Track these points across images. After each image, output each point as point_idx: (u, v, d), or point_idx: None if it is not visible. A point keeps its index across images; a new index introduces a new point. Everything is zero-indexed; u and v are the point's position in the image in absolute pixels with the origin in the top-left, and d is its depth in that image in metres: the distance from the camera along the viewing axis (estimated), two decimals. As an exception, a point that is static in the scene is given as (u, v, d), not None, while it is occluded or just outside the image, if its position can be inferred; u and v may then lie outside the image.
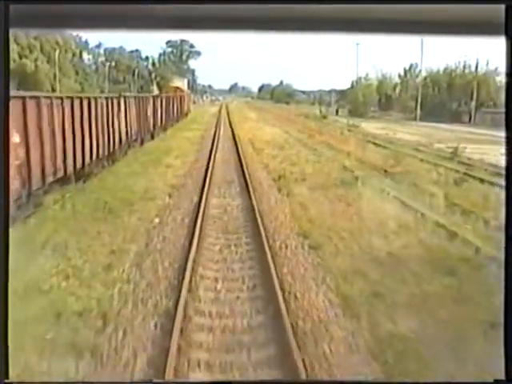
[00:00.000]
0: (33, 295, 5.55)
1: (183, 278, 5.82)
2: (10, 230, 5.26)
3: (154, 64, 68.38)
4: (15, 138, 7.38)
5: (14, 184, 7.35)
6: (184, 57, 72.61)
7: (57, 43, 47.77)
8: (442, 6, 1.91)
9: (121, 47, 68.69)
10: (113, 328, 4.85)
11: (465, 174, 13.22)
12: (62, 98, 9.41)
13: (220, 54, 79.28)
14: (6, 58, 1.90)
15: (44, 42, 45.09)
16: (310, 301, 5.45)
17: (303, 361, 4.09)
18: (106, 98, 12.84)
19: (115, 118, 13.33)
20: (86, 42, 60.00)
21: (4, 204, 1.90)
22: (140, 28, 2.09)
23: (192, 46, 72.49)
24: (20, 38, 41.76)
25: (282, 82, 73.58)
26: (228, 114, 38.27)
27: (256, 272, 6.37)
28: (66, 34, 49.20)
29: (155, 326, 4.88)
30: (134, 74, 64.56)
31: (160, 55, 70.40)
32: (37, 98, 8.44)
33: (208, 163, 14.48)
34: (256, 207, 9.36)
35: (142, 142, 17.69)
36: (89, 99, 11.17)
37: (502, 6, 1.86)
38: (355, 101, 40.80)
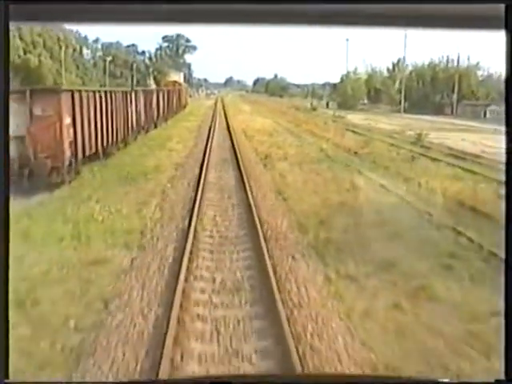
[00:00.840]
0: (93, 222, 8.56)
1: (192, 214, 8.81)
2: (62, 188, 8.99)
3: (150, 58, 71.10)
4: (67, 120, 10.37)
5: (67, 154, 10.35)
6: (180, 51, 75.27)
7: (58, 39, 50.50)
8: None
9: (118, 42, 71.18)
10: (150, 236, 7.88)
11: (420, 154, 16.27)
12: (94, 92, 12.38)
13: (215, 48, 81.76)
14: (6, 58, 1.97)
15: (47, 38, 47.74)
16: (277, 224, 8.48)
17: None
18: (122, 92, 15.84)
19: (129, 109, 16.32)
20: (86, 37, 62.77)
21: (4, 203, 1.97)
22: (134, 22, 2.19)
23: (188, 41, 75.06)
24: (24, 34, 44.55)
25: (276, 76, 76.43)
26: (223, 106, 41.20)
27: (242, 212, 9.38)
28: (67, 30, 51.98)
29: (177, 235, 7.89)
30: (131, 69, 67.35)
31: (156, 50, 72.91)
32: (79, 91, 11.42)
33: (205, 147, 17.44)
34: (245, 176, 12.34)
35: (147, 130, 20.61)
36: (111, 93, 14.16)
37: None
38: (344, 94, 43.76)
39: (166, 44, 75.96)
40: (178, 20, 2.19)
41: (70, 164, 11.02)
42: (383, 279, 6.22)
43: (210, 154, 16.12)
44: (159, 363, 4.04)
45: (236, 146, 17.53)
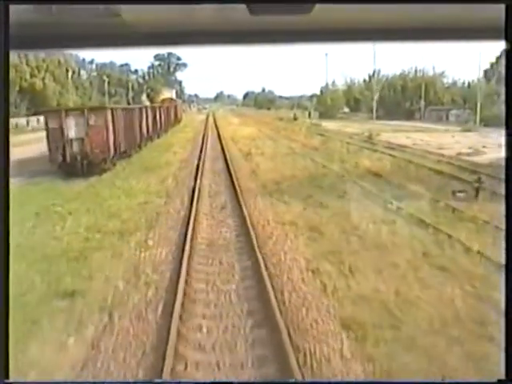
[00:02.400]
0: (134, 188, 14.56)
1: (195, 182, 14.81)
2: (107, 173, 16.25)
3: (143, 77, 77.77)
4: (110, 127, 16.48)
5: (110, 150, 16.46)
6: (171, 69, 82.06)
7: (59, 62, 57.09)
8: (439, 12, 1.99)
9: (111, 62, 78.03)
10: (171, 193, 13.93)
11: (367, 148, 22.42)
12: (122, 108, 18.53)
13: (205, 64, 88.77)
14: (6, 58, 1.99)
15: (49, 62, 54.26)
16: (249, 185, 14.52)
17: (241, 190, 13.16)
18: (138, 108, 22.01)
19: (142, 121, 22.45)
20: (83, 60, 69.44)
21: (4, 203, 2.01)
22: (127, 45, 2.27)
23: (179, 59, 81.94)
24: (30, 60, 51.01)
25: (263, 90, 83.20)
26: (214, 120, 47.42)
27: (228, 183, 15.37)
28: (66, 54, 58.49)
29: (187, 192, 13.89)
30: (125, 88, 73.95)
31: (149, 68, 79.72)
32: (115, 108, 17.57)
33: (201, 150, 23.50)
34: (231, 166, 18.35)
35: (152, 139, 26.69)
36: (131, 109, 20.34)
37: (501, 7, 1.93)
38: (325, 104, 50.19)
39: (157, 62, 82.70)
40: (169, 43, 2.32)
41: (111, 158, 17.10)
42: (303, 202, 12.21)
43: (205, 154, 22.20)
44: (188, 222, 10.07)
45: (225, 148, 23.65)
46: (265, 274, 7.24)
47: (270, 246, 8.94)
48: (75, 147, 16.15)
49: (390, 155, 19.67)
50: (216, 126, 39.07)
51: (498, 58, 53.49)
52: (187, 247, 8.57)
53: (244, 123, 42.05)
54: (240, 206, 11.85)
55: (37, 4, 2.02)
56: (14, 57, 50.15)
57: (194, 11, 2.08)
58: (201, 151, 22.44)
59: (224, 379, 4.94)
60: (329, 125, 37.35)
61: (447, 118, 41.62)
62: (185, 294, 6.71)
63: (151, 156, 21.81)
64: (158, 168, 18.41)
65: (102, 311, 6.54)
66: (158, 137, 28.69)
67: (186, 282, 7.14)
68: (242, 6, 2.01)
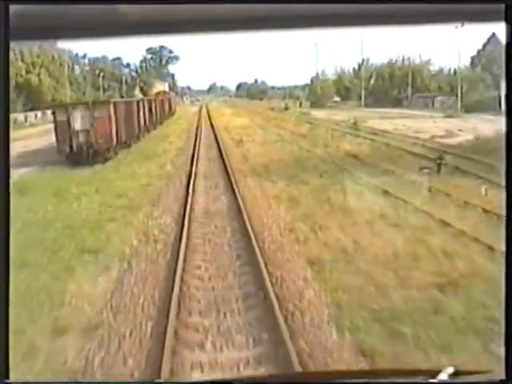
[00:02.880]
0: (137, 172, 16.49)
1: (191, 167, 16.74)
2: (110, 161, 18.42)
3: (136, 70, 79.43)
4: (113, 119, 18.37)
5: (113, 140, 18.36)
6: (163, 62, 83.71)
7: (53, 58, 58.69)
8: None
9: (104, 56, 79.61)
10: (171, 176, 15.88)
11: (350, 133, 24.38)
12: (122, 102, 20.43)
13: (197, 56, 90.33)
14: (6, 58, 2.04)
15: (44, 58, 55.83)
16: (239, 167, 16.48)
17: (232, 172, 15.11)
18: (135, 101, 23.89)
19: (140, 114, 24.33)
20: (77, 54, 71.04)
21: (4, 202, 2.01)
22: (117, 35, 2.27)
23: (171, 52, 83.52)
24: (25, 56, 52.59)
25: (256, 81, 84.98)
26: (208, 111, 49.24)
27: (221, 167, 17.28)
28: (60, 49, 60.13)
29: (185, 175, 15.81)
30: (118, 82, 75.61)
31: (141, 62, 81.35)
32: (116, 102, 19.46)
33: (195, 139, 25.39)
34: (223, 152, 20.27)
35: (149, 130, 28.54)
36: (129, 102, 22.21)
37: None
38: (315, 94, 52.08)
39: (149, 56, 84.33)
40: (160, 31, 2.30)
41: (114, 147, 19.02)
42: (287, 181, 14.16)
43: (199, 143, 24.11)
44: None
45: (218, 137, 25.57)
46: (250, 231, 9.20)
47: (256, 213, 10.90)
48: (81, 138, 18.04)
49: (371, 140, 21.65)
50: (209, 116, 40.91)
51: (485, 45, 55.62)
52: (187, 215, 10.52)
53: (236, 114, 43.93)
54: (231, 184, 13.80)
55: (37, 4, 2.05)
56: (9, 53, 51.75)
57: None
58: (195, 140, 24.35)
59: (216, 297, 6.89)
60: (318, 113, 39.28)
61: (433, 104, 43.59)
62: (186, 246, 8.67)
63: (149, 145, 23.69)
64: (156, 156, 20.31)
65: (122, 260, 8.50)
66: (154, 128, 30.52)
67: (187, 238, 9.09)
68: None
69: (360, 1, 2.12)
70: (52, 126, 36.59)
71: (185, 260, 7.94)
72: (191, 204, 11.69)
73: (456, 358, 4.92)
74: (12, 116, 46.69)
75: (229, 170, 15.94)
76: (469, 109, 36.44)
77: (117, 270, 8.08)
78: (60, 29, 2.20)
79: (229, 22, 2.25)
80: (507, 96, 2.11)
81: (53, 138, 24.83)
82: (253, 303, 6.49)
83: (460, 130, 23.29)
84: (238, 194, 12.49)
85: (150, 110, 28.78)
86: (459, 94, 40.81)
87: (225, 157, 18.67)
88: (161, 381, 4.80)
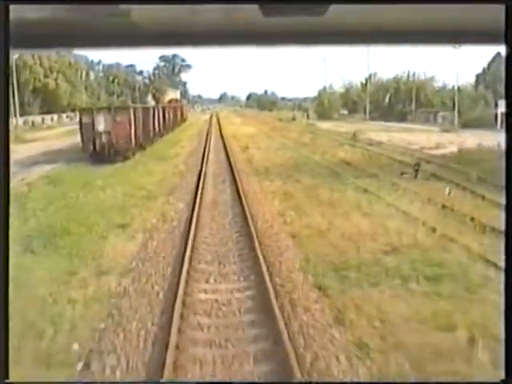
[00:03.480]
0: (153, 170, 19.02)
1: (201, 167, 19.23)
2: (129, 160, 21.34)
3: (149, 78, 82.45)
4: (132, 123, 20.96)
5: (132, 142, 20.92)
6: (176, 70, 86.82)
7: (70, 64, 61.81)
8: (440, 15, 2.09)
9: (117, 63, 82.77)
10: (185, 173, 18.39)
11: (348, 144, 26.83)
12: (141, 108, 23.02)
13: (209, 66, 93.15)
14: (6, 58, 2.03)
15: (61, 63, 58.90)
16: (244, 169, 18.96)
17: (238, 173, 17.59)
18: (151, 107, 26.49)
19: (155, 119, 26.94)
20: (92, 61, 74.19)
21: (4, 202, 2.02)
22: (134, 45, 2.35)
23: (183, 60, 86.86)
24: (44, 61, 55.64)
25: (266, 92, 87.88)
26: (218, 119, 51.92)
27: (227, 168, 19.76)
28: (76, 55, 63.22)
29: (197, 173, 18.31)
30: (131, 88, 78.67)
31: (154, 69, 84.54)
32: (136, 107, 22.06)
33: (205, 145, 27.96)
34: (230, 156, 22.77)
35: (162, 136, 31.16)
36: (146, 108, 24.82)
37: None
38: (322, 106, 54.73)
39: (162, 63, 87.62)
40: (171, 43, 2.34)
41: (132, 148, 21.59)
42: (284, 180, 16.58)
43: (208, 147, 26.67)
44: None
45: (226, 143, 28.11)
46: (248, 215, 11.62)
47: (254, 203, 13.33)
48: (104, 139, 20.62)
49: (366, 149, 24.10)
50: (219, 124, 43.55)
51: (490, 64, 58.11)
52: (197, 202, 12.98)
53: (245, 123, 46.55)
54: (235, 182, 16.25)
55: (37, 4, 2.05)
56: (28, 58, 54.78)
57: (202, 11, 2.11)
58: (205, 145, 26.91)
59: (218, 256, 9.31)
60: (323, 125, 41.79)
61: (435, 119, 45.96)
62: (196, 223, 11.10)
63: (163, 148, 26.29)
64: (169, 157, 22.88)
65: (145, 232, 10.97)
66: (167, 133, 33.18)
67: (197, 218, 11.54)
68: (251, 7, 2.04)
69: (363, 1, 2.09)
70: (68, 128, 39.48)
71: (195, 233, 10.37)
72: (201, 195, 14.15)
73: (380, 289, 7.32)
74: (29, 118, 49.59)
75: (234, 170, 18.41)
76: (467, 124, 38.79)
77: (141, 238, 10.55)
78: (74, 37, 2.25)
79: (245, 36, 2.28)
80: (507, 102, 2.15)
81: (72, 139, 27.62)
82: (245, 258, 8.93)
83: (450, 143, 25.63)
84: (240, 188, 14.93)
85: (164, 116, 31.42)
86: (457, 110, 43.14)
87: (231, 160, 21.16)
88: (162, 381, 5.06)
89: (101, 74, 79.04)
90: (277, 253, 9.28)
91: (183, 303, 6.95)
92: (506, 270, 2.27)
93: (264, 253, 9.05)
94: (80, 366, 5.60)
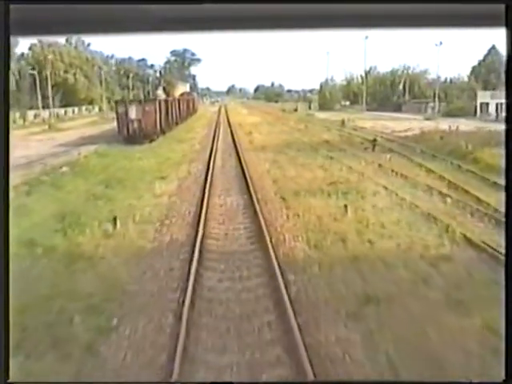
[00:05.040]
0: (175, 149, 25.73)
1: (212, 146, 25.86)
2: (155, 142, 28.78)
3: (160, 71, 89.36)
4: (158, 113, 27.66)
5: (157, 128, 27.66)
6: (186, 64, 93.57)
7: (87, 59, 68.79)
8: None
9: (130, 58, 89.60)
10: (200, 150, 25.09)
11: (336, 129, 33.39)
12: (164, 100, 29.74)
13: (218, 59, 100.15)
14: (6, 57, 2.13)
15: (79, 59, 65.80)
16: (246, 147, 25.60)
17: (242, 150, 24.23)
18: (172, 100, 33.20)
19: (173, 110, 33.64)
20: (107, 56, 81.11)
21: (4, 202, 2.14)
22: (137, 31, 2.46)
23: (193, 54, 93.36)
24: (64, 57, 62.60)
25: (273, 84, 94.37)
26: (226, 111, 58.55)
27: (233, 147, 26.37)
28: (92, 51, 70.00)
29: (210, 149, 24.95)
30: (143, 82, 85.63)
31: (165, 63, 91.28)
32: (160, 100, 28.78)
33: (215, 131, 34.62)
34: (236, 139, 29.38)
35: (177, 124, 37.85)
36: (167, 100, 31.54)
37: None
38: (324, 98, 61.15)
39: (173, 58, 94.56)
40: (180, 29, 2.45)
41: (157, 133, 28.32)
42: (275, 154, 23.16)
43: (218, 133, 33.32)
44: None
45: (233, 129, 34.77)
46: (246, 173, 18.21)
47: (251, 166, 19.92)
48: (135, 125, 27.31)
49: (348, 133, 30.65)
50: (227, 115, 50.20)
51: (485, 56, 64.33)
52: (211, 167, 19.61)
53: (251, 113, 53.19)
54: (238, 155, 22.84)
55: (37, 4, 2.15)
56: (50, 54, 61.76)
57: None
58: (215, 131, 33.59)
59: (225, 191, 15.94)
60: (321, 115, 48.34)
61: (425, 109, 52.29)
62: (211, 176, 17.73)
63: (180, 134, 32.98)
64: (186, 140, 29.57)
65: (178, 180, 17.62)
66: (182, 122, 39.88)
67: (212, 175, 18.16)
68: None
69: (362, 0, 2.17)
70: (90, 119, 46.75)
71: (211, 180, 17.00)
72: (213, 162, 20.78)
73: (315, 198, 13.93)
74: (54, 111, 56.74)
75: (238, 148, 25.02)
76: (451, 113, 45.15)
77: (176, 183, 17.21)
78: (78, 23, 2.38)
79: (250, 20, 2.43)
80: (507, 102, 2.36)
81: (99, 128, 34.55)
82: (243, 191, 15.57)
83: (419, 128, 31.99)
84: (241, 158, 21.54)
85: (179, 107, 38.15)
86: (442, 101, 49.40)
87: (236, 141, 27.79)
88: (162, 382, 5.53)
89: (113, 68, 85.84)
90: (261, 187, 15.91)
91: (207, 205, 13.59)
92: (506, 270, 2.36)
93: (254, 188, 15.67)
94: (160, 221, 12.27)
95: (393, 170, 17.57)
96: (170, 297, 7.92)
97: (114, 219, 11.98)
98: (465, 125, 32.36)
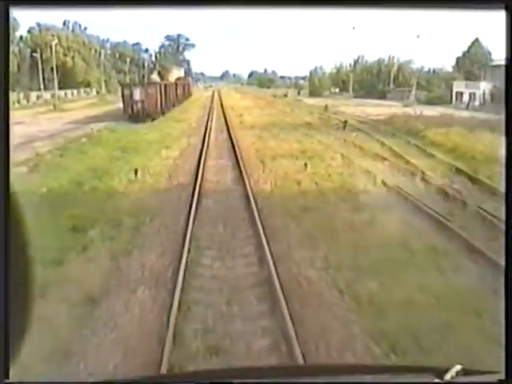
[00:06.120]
0: (174, 126, 30.66)
1: (207, 124, 30.79)
2: (156, 121, 34.17)
3: (156, 56, 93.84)
4: (158, 95, 32.54)
5: (158, 108, 32.59)
6: (180, 49, 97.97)
7: (84, 43, 73.28)
8: None
9: (124, 41, 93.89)
10: (196, 128, 30.05)
11: (318, 112, 38.39)
12: (163, 84, 34.55)
13: (212, 44, 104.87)
14: (6, 57, 2.17)
15: (76, 42, 70.27)
16: (236, 125, 30.56)
17: (233, 128, 29.19)
18: (169, 83, 38.02)
19: (171, 93, 38.47)
20: (103, 40, 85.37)
21: (4, 201, 2.11)
22: (125, 5, 2.47)
23: (187, 39, 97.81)
24: (62, 41, 67.09)
25: (266, 70, 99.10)
26: (219, 95, 63.36)
27: (224, 125, 31.30)
28: (89, 35, 74.39)
29: (204, 127, 29.88)
30: (138, 66, 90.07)
31: (160, 48, 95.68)
32: (161, 84, 33.65)
33: (209, 112, 39.52)
34: (228, 120, 34.27)
35: (174, 106, 42.66)
36: (166, 84, 36.36)
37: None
38: (313, 85, 66.09)
39: (167, 42, 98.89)
40: (173, 3, 2.47)
41: (158, 113, 33.22)
42: (261, 131, 28.12)
43: (212, 115, 38.24)
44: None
45: (225, 112, 39.69)
46: (236, 144, 23.14)
47: (239, 140, 24.84)
48: (139, 105, 32.12)
49: (328, 116, 35.63)
50: (220, 99, 55.06)
51: (469, 48, 69.35)
52: (206, 140, 24.53)
53: (244, 98, 58.03)
54: (229, 132, 27.76)
55: (37, 4, 2.26)
56: (49, 38, 66.32)
57: None
58: (209, 113, 38.51)
59: (217, 157, 20.89)
60: (309, 101, 53.27)
61: (408, 97, 57.33)
62: (207, 146, 22.67)
63: (177, 115, 37.85)
64: (184, 120, 34.45)
65: (180, 149, 22.58)
66: (178, 105, 44.72)
67: (207, 145, 23.10)
68: None
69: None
70: (89, 101, 51.62)
71: (206, 150, 21.93)
72: (208, 137, 25.72)
73: (285, 159, 18.94)
74: (55, 92, 61.40)
75: (230, 127, 29.93)
76: (429, 101, 50.20)
77: (179, 151, 22.15)
78: None
79: None
80: (507, 102, 2.37)
81: (101, 109, 39.37)
82: (231, 156, 20.55)
83: (392, 113, 36.98)
84: (232, 134, 26.46)
85: (176, 91, 42.98)
86: (433, 89, 54.38)
87: (228, 121, 32.70)
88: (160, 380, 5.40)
89: (108, 52, 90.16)
90: (247, 155, 20.87)
91: (204, 165, 18.55)
92: (506, 271, 2.37)
93: (240, 155, 20.62)
94: (169, 174, 17.24)
95: (353, 144, 22.59)
96: (180, 214, 12.90)
97: (135, 171, 16.93)
98: (434, 111, 37.50)
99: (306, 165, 17.40)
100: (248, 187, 14.46)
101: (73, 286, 8.29)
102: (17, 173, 15.02)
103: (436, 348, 5.98)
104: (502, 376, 2.15)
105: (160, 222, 11.86)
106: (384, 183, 15.05)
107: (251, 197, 13.49)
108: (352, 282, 8.12)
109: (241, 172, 16.97)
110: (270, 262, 8.71)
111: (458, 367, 2.13)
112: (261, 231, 10.50)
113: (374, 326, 6.72)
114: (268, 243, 9.76)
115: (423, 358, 5.90)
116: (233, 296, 7.69)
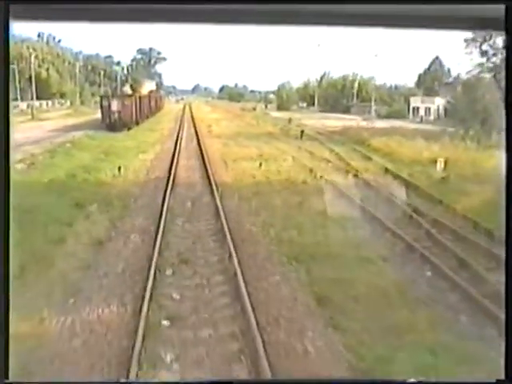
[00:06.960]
0: (150, 135, 34.63)
1: (178, 134, 34.78)
2: (131, 130, 38.42)
3: (127, 69, 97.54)
4: (133, 106, 36.47)
5: (133, 118, 36.51)
6: (152, 62, 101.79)
7: (58, 55, 76.83)
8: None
9: (97, 54, 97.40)
10: (168, 136, 34.05)
11: (281, 125, 42.73)
12: (138, 96, 38.50)
13: (183, 59, 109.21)
14: (6, 57, 2.31)
15: (51, 54, 73.77)
16: (205, 134, 34.66)
17: (202, 137, 33.26)
18: (143, 96, 41.99)
19: (145, 105, 42.43)
20: (76, 52, 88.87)
21: (4, 201, 2.24)
22: (101, 20, 2.66)
23: (159, 53, 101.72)
24: (38, 53, 70.55)
25: (236, 85, 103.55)
26: (190, 108, 67.45)
27: (194, 135, 35.35)
28: (63, 47, 77.90)
29: (176, 135, 33.88)
30: (110, 78, 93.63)
31: (132, 61, 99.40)
32: (136, 96, 37.59)
33: (180, 123, 43.54)
34: (198, 130, 38.32)
35: (147, 117, 46.58)
36: (140, 96, 40.30)
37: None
38: (281, 99, 70.71)
39: (139, 56, 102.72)
40: (141, 19, 2.65)
41: (133, 123, 37.14)
42: (228, 140, 32.21)
43: (183, 125, 42.26)
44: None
45: (196, 123, 43.77)
46: (204, 150, 27.19)
47: (207, 147, 28.89)
48: (116, 115, 35.97)
49: (289, 128, 39.96)
50: (191, 112, 59.18)
51: (430, 65, 74.58)
52: (177, 147, 28.54)
53: (213, 111, 62.19)
54: (199, 140, 31.79)
55: (37, 4, 2.37)
56: (24, 50, 69.72)
57: None
58: (180, 124, 42.56)
59: (187, 159, 24.92)
60: (276, 114, 57.68)
61: (369, 112, 62.22)
62: (179, 152, 26.68)
63: (151, 125, 41.75)
64: (157, 130, 38.39)
65: (155, 154, 26.56)
66: (151, 116, 48.67)
67: (179, 151, 27.10)
68: None
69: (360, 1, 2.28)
70: (65, 112, 55.07)
71: (178, 154, 25.93)
72: (180, 144, 29.71)
73: (255, 179, 23.08)
74: (30, 103, 64.77)
75: (199, 135, 33.98)
76: (388, 115, 55.05)
77: (154, 155, 26.11)
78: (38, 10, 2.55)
79: (219, 13, 2.64)
80: (506, 102, 2.55)
81: (78, 119, 43.04)
82: (199, 158, 24.59)
83: (348, 126, 41.40)
84: (201, 142, 30.49)
85: (149, 103, 46.95)
86: (393, 104, 59.31)
87: (198, 131, 36.75)
88: (157, 381, 6.57)
89: (81, 64, 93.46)
90: (212, 157, 24.94)
91: (177, 164, 22.55)
92: (507, 272, 2.50)
93: (207, 157, 24.66)
94: (147, 170, 21.22)
95: (306, 150, 26.85)
96: (157, 197, 16.85)
97: (119, 168, 20.85)
98: (387, 123, 42.21)
99: (260, 164, 21.51)
100: (212, 180, 18.52)
101: (84, 236, 12.23)
102: (17, 168, 18.86)
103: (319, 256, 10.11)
104: (502, 376, 2.21)
105: (142, 202, 15.86)
106: (321, 177, 19.26)
107: (214, 186, 17.54)
108: (279, 232, 12.23)
109: (207, 170, 21.00)
110: (224, 222, 12.77)
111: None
112: (220, 206, 14.56)
113: (288, 251, 10.84)
114: (224, 213, 13.81)
115: (313, 265, 10.01)
116: (197, 239, 11.74)
